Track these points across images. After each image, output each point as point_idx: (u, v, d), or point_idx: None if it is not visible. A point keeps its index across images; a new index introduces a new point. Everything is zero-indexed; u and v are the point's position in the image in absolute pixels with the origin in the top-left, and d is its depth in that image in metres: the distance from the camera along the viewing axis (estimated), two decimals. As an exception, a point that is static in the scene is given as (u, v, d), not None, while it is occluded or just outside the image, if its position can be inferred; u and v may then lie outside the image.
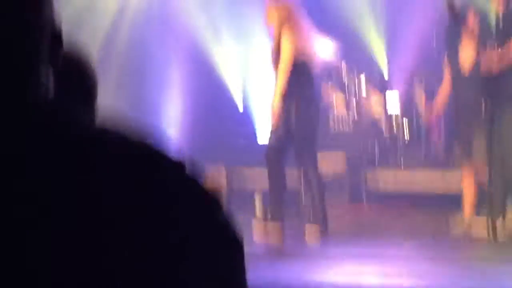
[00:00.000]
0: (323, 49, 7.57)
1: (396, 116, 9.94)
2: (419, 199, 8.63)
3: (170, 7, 10.84)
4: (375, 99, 10.11)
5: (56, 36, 1.10)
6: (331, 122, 9.97)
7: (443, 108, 7.89)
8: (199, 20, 10.73)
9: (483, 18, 7.21)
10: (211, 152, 9.13)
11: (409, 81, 10.42)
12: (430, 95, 9.88)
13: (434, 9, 10.27)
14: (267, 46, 7.90)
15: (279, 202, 7.27)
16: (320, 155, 7.57)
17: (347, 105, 10.05)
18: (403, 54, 10.38)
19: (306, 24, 7.29)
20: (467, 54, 7.18)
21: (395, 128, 9.92)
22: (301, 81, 7.08)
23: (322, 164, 7.63)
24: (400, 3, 10.57)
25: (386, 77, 10.39)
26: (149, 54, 10.52)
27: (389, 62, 10.54)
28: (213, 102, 10.86)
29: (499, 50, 7.01)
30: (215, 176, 9.27)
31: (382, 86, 10.15)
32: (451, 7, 7.12)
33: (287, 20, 7.11)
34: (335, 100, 10.21)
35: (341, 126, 9.96)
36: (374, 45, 10.96)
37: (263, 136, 11.46)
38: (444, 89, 7.67)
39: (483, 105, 6.94)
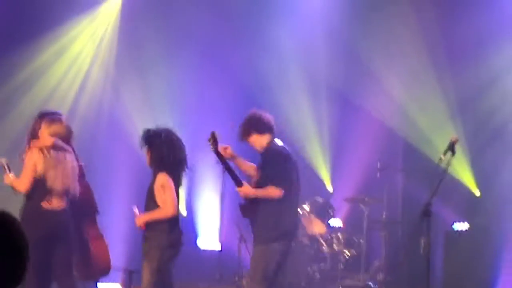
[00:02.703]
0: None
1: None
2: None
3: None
4: (317, 224, 10.15)
5: None
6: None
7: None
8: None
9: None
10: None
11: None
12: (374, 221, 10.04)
13: (379, 138, 10.58)
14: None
15: None
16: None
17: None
18: (347, 182, 10.54)
19: None
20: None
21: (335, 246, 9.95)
22: None
23: None
24: (347, 130, 10.85)
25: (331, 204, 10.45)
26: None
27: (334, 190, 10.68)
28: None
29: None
30: None
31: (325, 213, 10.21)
32: None
33: None
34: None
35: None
36: (321, 172, 11.17)
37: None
38: None
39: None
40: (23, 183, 7.14)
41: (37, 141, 7.25)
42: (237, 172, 7.48)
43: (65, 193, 7.26)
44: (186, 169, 7.12)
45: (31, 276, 7.11)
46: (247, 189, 7.31)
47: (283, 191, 7.20)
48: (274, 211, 7.25)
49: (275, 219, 7.26)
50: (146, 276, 6.92)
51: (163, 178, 6.93)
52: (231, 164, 7.52)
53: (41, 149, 7.17)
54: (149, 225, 6.96)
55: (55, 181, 7.17)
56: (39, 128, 7.32)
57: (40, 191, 7.15)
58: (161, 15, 11.64)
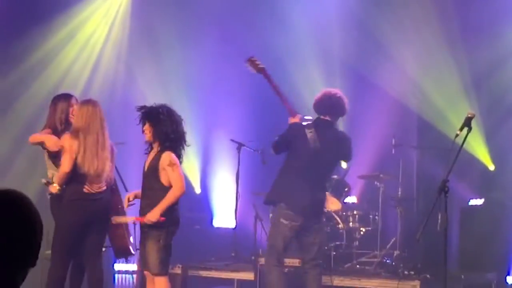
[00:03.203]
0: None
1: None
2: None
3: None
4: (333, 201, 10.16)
5: None
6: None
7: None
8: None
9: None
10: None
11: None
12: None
13: (393, 115, 10.56)
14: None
15: None
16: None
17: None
18: (361, 159, 10.52)
19: None
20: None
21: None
22: None
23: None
24: (361, 107, 10.81)
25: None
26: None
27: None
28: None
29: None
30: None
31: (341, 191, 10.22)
32: None
33: None
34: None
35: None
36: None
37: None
38: None
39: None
40: (64, 169, 7.13)
41: (72, 125, 7.26)
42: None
43: (103, 176, 7.29)
44: (185, 145, 7.10)
45: (64, 257, 7.22)
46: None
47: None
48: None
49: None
50: (153, 254, 6.90)
51: (170, 157, 6.89)
52: None
53: (76, 133, 7.18)
54: (152, 205, 6.92)
55: (92, 165, 7.18)
56: (71, 111, 7.34)
57: (79, 176, 7.17)
58: (174, -6, 11.67)
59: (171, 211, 6.95)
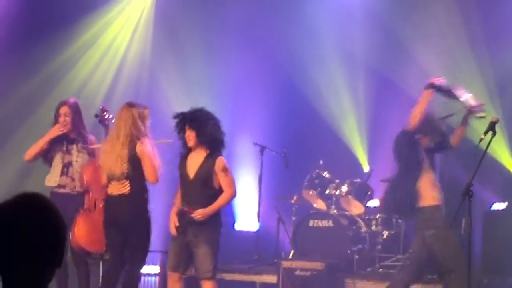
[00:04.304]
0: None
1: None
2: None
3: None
4: (356, 205, 10.17)
5: None
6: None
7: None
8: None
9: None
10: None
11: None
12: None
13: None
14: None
15: None
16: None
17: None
18: (384, 163, 10.50)
19: None
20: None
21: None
22: None
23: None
24: (384, 110, 10.81)
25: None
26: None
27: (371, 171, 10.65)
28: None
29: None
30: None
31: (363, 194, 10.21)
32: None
33: None
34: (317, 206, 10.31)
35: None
36: (358, 153, 11.16)
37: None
38: None
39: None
40: (155, 174, 7.16)
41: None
42: None
43: None
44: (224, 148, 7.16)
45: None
46: None
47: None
48: None
49: None
50: (207, 258, 6.90)
51: (223, 162, 6.96)
52: None
53: (149, 140, 7.19)
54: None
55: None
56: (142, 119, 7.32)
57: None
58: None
59: (220, 215, 7.04)
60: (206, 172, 6.94)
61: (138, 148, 7.06)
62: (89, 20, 11.38)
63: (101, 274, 7.58)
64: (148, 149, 7.05)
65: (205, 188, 6.95)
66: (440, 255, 7.10)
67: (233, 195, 7.03)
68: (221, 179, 6.94)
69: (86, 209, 7.72)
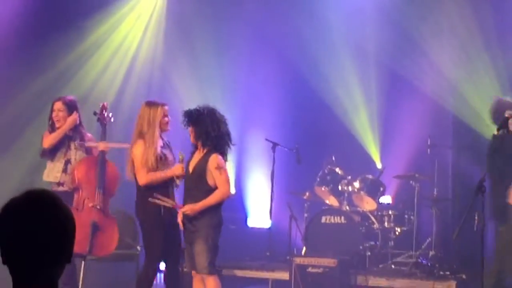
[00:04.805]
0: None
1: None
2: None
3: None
4: (368, 201, 10.15)
5: None
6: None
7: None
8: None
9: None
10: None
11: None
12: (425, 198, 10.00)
13: (429, 115, 10.50)
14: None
15: None
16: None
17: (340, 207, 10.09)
18: (396, 159, 10.50)
19: None
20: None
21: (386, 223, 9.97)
22: None
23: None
24: (397, 107, 10.79)
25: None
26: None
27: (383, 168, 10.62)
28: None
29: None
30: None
31: (376, 191, 10.18)
32: None
33: None
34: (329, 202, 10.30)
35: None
36: (371, 149, 11.14)
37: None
38: None
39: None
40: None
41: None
42: None
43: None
44: (230, 144, 7.14)
45: None
46: None
47: None
48: None
49: None
50: (202, 254, 6.95)
51: (217, 159, 6.96)
52: None
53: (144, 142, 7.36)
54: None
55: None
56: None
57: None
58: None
59: (218, 212, 7.02)
60: (201, 168, 6.98)
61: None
62: (101, 17, 11.39)
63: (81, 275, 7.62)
64: (136, 152, 7.23)
65: (200, 184, 6.98)
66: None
67: (226, 193, 7.01)
68: (215, 177, 6.96)
69: (74, 208, 7.70)
